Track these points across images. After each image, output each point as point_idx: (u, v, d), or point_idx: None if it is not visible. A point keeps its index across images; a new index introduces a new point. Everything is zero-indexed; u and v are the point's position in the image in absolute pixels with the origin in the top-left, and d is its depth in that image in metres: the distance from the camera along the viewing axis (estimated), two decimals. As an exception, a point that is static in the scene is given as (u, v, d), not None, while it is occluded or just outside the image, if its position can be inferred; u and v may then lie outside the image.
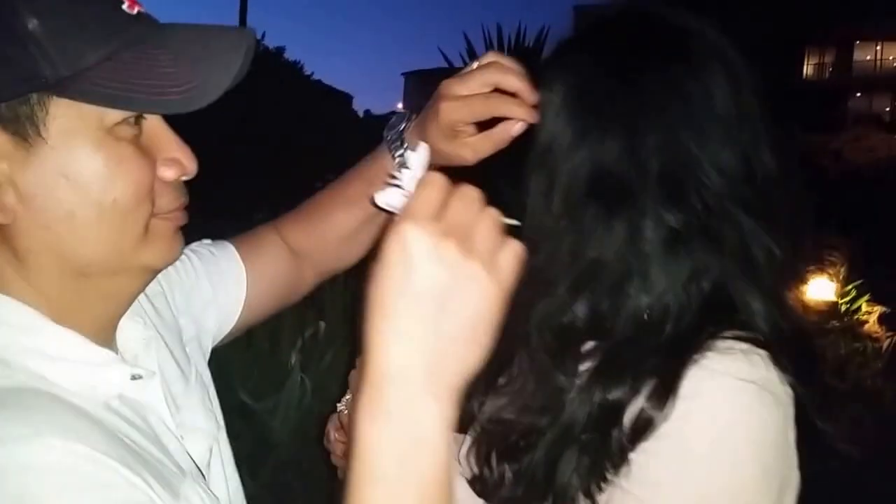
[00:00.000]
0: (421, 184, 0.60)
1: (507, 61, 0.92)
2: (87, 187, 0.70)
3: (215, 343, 1.03)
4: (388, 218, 0.99)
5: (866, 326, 4.66)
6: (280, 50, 15.76)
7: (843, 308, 4.64)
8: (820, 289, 4.47)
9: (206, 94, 0.71)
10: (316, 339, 2.55)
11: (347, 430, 1.00)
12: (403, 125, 1.02)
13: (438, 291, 0.56)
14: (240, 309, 1.03)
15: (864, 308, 4.73)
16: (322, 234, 1.10)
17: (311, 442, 2.31)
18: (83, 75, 0.68)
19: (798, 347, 0.78)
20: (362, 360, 0.58)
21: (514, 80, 0.89)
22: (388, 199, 0.64)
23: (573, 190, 0.79)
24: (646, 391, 0.73)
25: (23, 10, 0.67)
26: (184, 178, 0.77)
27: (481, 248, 0.58)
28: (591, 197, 0.79)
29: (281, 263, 1.08)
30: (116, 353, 0.78)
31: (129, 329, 0.81)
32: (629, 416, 0.74)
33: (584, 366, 0.78)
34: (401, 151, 1.00)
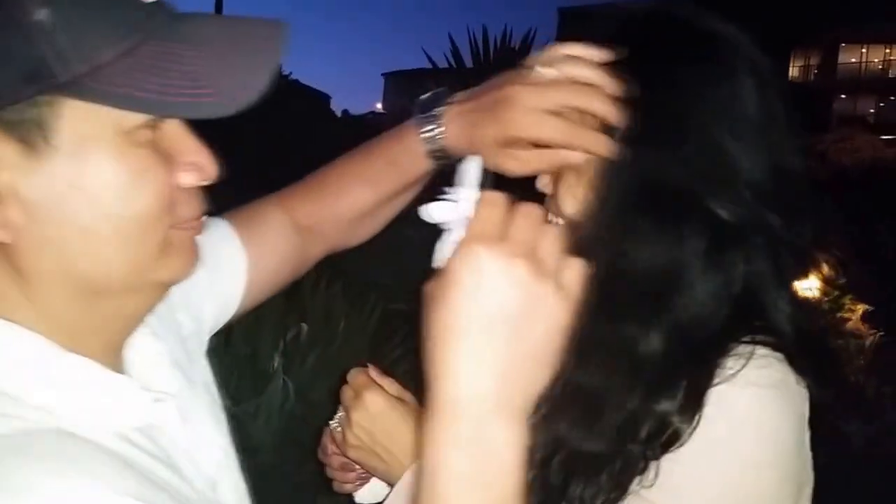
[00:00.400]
0: (481, 202, 0.59)
1: (585, 53, 0.82)
2: (103, 200, 0.63)
3: (212, 333, 0.97)
4: (406, 198, 1.00)
5: (849, 324, 4.70)
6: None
7: (827, 306, 4.68)
8: (804, 286, 4.49)
9: (241, 97, 0.63)
10: (298, 341, 2.53)
11: (342, 446, 1.00)
12: (439, 106, 0.93)
13: (511, 314, 0.55)
14: (240, 296, 0.97)
15: (848, 306, 4.77)
16: (333, 211, 1.03)
17: (295, 446, 2.29)
18: (100, 73, 0.60)
19: (819, 347, 0.79)
20: (428, 383, 0.56)
21: (602, 87, 0.80)
22: (439, 214, 0.63)
23: (623, 201, 0.79)
24: (673, 403, 0.74)
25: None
26: (204, 184, 0.70)
27: (548, 267, 0.57)
28: (642, 208, 0.78)
29: (285, 242, 1.02)
30: (124, 373, 0.72)
31: (139, 345, 0.75)
32: (653, 425, 0.74)
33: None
34: (432, 133, 0.92)
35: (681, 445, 0.73)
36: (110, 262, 0.65)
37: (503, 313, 0.55)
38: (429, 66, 5.18)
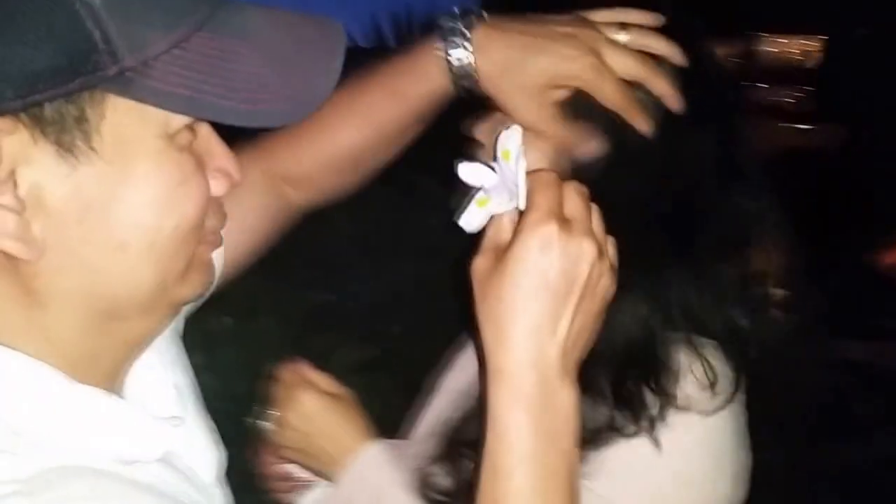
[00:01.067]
0: (542, 181, 0.63)
1: (651, 22, 0.79)
2: (143, 210, 0.57)
3: (187, 314, 0.91)
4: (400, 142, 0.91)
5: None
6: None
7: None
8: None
9: (301, 105, 0.59)
10: (220, 336, 2.44)
11: (275, 448, 0.95)
12: (469, 25, 0.79)
13: (577, 286, 0.61)
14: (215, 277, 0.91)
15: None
16: (320, 156, 0.93)
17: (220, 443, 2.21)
18: (150, 68, 0.54)
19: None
20: (488, 352, 0.63)
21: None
22: (474, 176, 0.65)
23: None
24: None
25: None
26: (229, 192, 0.65)
27: (601, 241, 0.64)
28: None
29: (263, 207, 0.94)
30: (124, 397, 0.67)
31: (139, 368, 0.70)
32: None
33: None
34: (459, 55, 0.78)
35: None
36: (140, 280, 0.60)
37: (572, 285, 0.61)
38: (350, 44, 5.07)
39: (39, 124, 0.52)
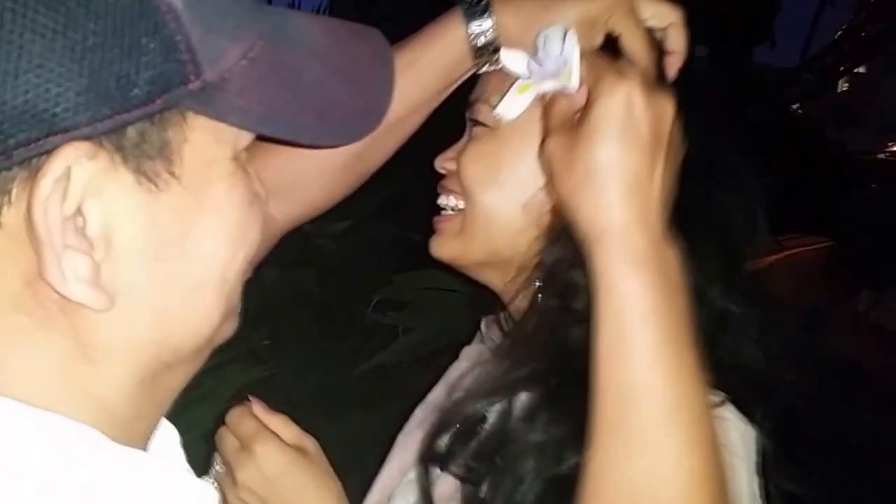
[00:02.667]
0: (592, 55, 0.67)
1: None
2: (223, 242, 0.51)
3: None
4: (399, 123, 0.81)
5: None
6: None
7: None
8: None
9: (373, 116, 0.55)
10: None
11: (228, 492, 0.78)
12: None
13: (664, 139, 0.61)
14: None
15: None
16: (310, 158, 0.83)
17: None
18: (228, 82, 0.48)
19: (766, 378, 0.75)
20: (586, 219, 0.61)
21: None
22: (518, 65, 0.68)
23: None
24: None
25: None
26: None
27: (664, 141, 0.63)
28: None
29: None
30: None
31: None
32: None
33: None
34: (482, 27, 0.76)
35: None
36: (208, 323, 0.53)
37: (660, 139, 0.60)
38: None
39: (121, 149, 0.45)
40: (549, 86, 0.67)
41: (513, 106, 0.70)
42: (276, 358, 2.44)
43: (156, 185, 0.47)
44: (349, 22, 0.61)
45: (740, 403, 0.71)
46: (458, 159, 0.80)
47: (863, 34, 8.19)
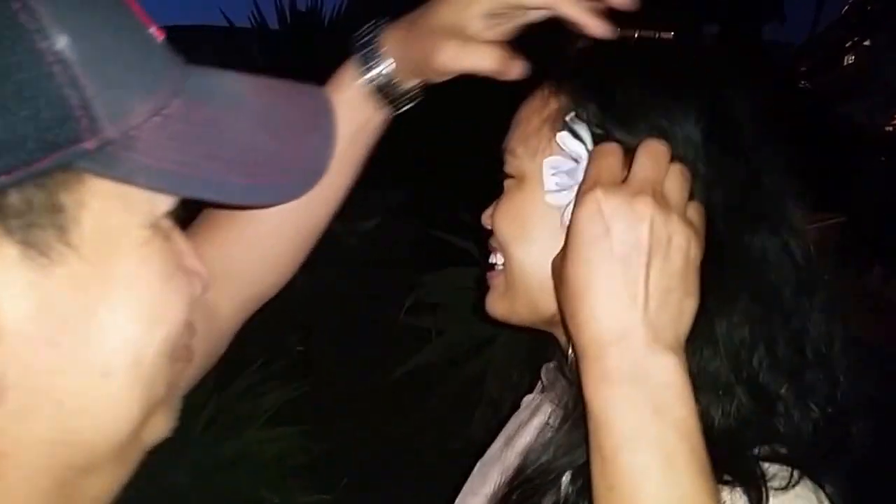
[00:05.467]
0: (597, 152, 0.62)
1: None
2: (133, 322, 0.45)
3: None
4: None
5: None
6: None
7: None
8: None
9: (310, 175, 0.51)
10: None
11: None
12: (376, 36, 0.75)
13: (642, 248, 0.56)
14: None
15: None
16: (248, 241, 0.75)
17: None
18: (135, 140, 0.42)
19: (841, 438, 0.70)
20: (575, 335, 0.58)
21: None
22: (575, 147, 0.65)
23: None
24: None
25: (47, 21, 0.39)
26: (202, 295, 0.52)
27: (674, 200, 0.58)
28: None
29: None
30: None
31: None
32: None
33: None
34: (377, 70, 0.75)
35: None
36: (124, 416, 0.46)
37: (634, 249, 0.56)
38: (216, 23, 4.81)
39: (2, 217, 0.39)
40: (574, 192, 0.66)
41: (559, 201, 0.69)
42: (310, 368, 2.41)
43: (48, 258, 0.41)
44: (288, 81, 0.57)
45: (811, 471, 0.65)
46: (493, 216, 0.78)
47: (868, 8, 8.14)
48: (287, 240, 0.78)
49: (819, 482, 0.65)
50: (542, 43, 0.78)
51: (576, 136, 0.67)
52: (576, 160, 0.67)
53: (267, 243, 0.77)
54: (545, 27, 0.75)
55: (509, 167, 0.77)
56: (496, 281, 0.79)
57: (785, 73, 6.55)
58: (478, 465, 0.91)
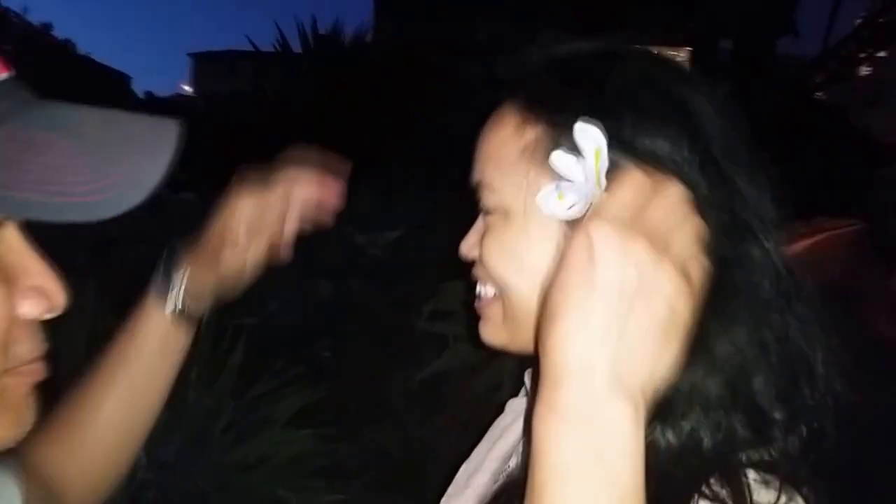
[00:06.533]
0: (615, 182, 0.58)
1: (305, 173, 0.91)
2: None
3: None
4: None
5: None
6: (47, 27, 14.27)
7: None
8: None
9: (124, 198, 0.51)
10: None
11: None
12: (171, 260, 0.90)
13: (624, 289, 0.53)
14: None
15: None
16: (79, 450, 0.84)
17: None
18: None
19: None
20: (542, 357, 0.55)
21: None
22: (566, 167, 0.62)
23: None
24: None
25: None
26: (47, 317, 0.56)
27: (675, 252, 0.55)
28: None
29: None
30: None
31: None
32: None
33: None
34: (174, 292, 0.89)
35: None
36: None
37: (616, 288, 0.53)
38: (241, 47, 4.93)
39: None
40: (577, 205, 0.65)
41: (556, 212, 0.66)
42: (335, 373, 2.47)
43: None
44: (143, 115, 0.61)
45: (798, 484, 0.65)
46: (480, 250, 0.78)
47: (881, 20, 8.15)
48: (109, 447, 0.88)
49: (805, 495, 0.65)
50: (503, 66, 0.79)
51: (574, 150, 0.64)
52: (575, 178, 0.65)
53: (91, 449, 0.87)
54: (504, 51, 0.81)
55: (489, 202, 0.76)
56: (490, 311, 0.78)
57: (799, 85, 6.58)
58: (462, 467, 0.92)
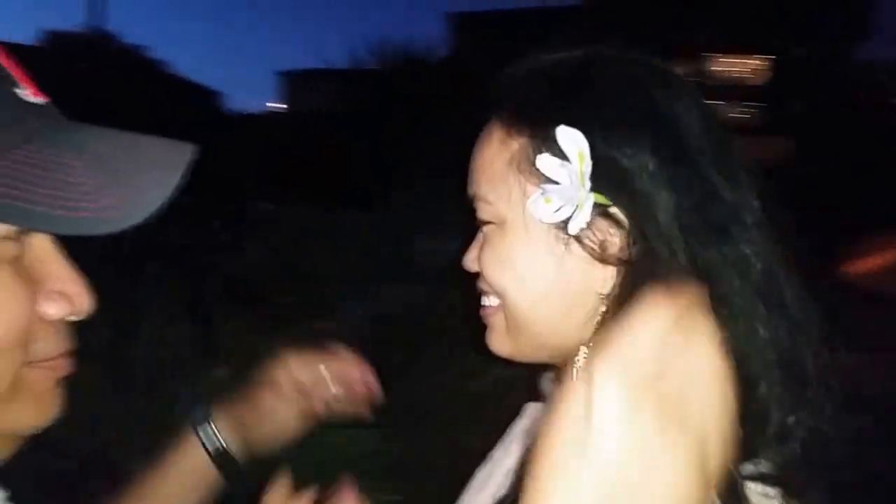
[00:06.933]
0: (640, 317, 0.48)
1: None
2: None
3: None
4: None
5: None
6: (140, 49, 15.02)
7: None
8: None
9: (129, 215, 0.56)
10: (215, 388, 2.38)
11: None
12: (206, 411, 0.97)
13: (622, 462, 0.46)
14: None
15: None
16: None
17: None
18: None
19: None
20: None
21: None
22: (553, 170, 0.65)
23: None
24: None
25: None
26: (72, 319, 0.61)
27: (693, 425, 0.47)
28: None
29: None
30: None
31: None
32: None
33: None
34: (214, 440, 0.95)
35: None
36: None
37: (612, 460, 0.46)
38: (323, 65, 5.11)
39: None
40: (563, 209, 0.66)
41: (543, 215, 0.68)
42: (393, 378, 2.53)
43: None
44: (157, 138, 0.64)
45: (796, 493, 0.64)
46: (479, 263, 0.78)
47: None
48: None
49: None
50: (487, 80, 0.80)
51: (559, 155, 0.65)
52: (560, 180, 0.66)
53: None
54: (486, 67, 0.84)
55: (485, 214, 0.76)
56: (494, 319, 0.78)
57: (880, 92, 6.30)
58: (480, 467, 0.94)
